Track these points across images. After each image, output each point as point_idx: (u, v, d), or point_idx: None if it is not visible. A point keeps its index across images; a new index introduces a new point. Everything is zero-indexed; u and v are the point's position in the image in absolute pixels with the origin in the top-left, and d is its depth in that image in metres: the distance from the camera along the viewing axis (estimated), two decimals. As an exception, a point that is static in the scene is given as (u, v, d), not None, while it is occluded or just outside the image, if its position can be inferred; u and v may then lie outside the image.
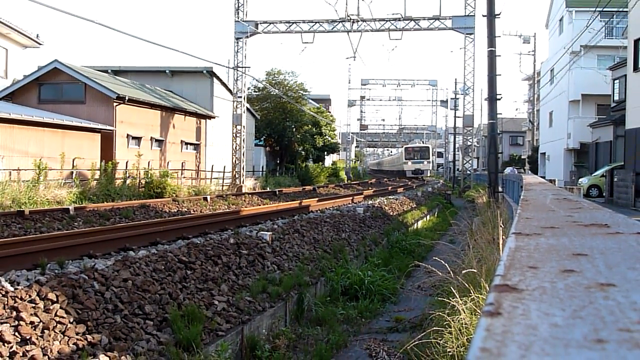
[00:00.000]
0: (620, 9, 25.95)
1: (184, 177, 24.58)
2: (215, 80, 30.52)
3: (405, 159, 58.43)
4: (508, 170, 35.70)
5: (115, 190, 16.97)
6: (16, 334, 3.77)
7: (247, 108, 29.78)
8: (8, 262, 5.19)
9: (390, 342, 6.01)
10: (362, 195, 20.18)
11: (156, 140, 24.98)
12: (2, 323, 3.77)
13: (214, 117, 29.78)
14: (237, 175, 26.75)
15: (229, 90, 29.76)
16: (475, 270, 5.22)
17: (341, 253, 9.47)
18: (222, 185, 26.62)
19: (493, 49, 16.69)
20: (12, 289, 4.17)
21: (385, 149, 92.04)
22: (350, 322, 6.78)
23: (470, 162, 37.25)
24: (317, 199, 17.49)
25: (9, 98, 22.07)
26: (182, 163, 25.82)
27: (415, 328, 6.25)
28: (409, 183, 41.18)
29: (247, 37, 26.33)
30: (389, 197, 19.89)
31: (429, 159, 57.72)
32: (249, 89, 35.40)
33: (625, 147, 22.88)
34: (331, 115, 50.46)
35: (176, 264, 5.95)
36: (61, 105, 21.72)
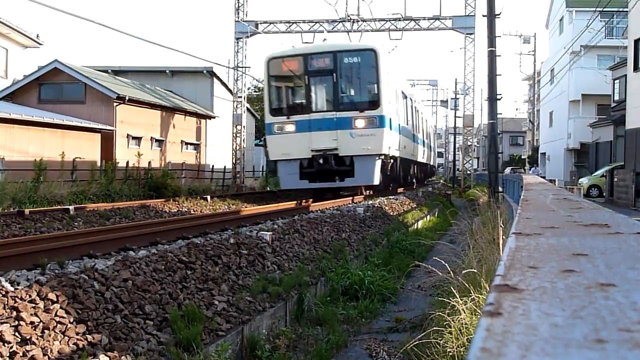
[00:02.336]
0: (621, 9, 25.93)
1: (184, 177, 24.60)
2: (215, 80, 30.52)
3: (273, 120, 17.36)
4: (532, 170, 32.90)
5: (115, 190, 16.97)
6: (16, 334, 3.77)
7: (247, 108, 29.76)
8: (8, 262, 5.19)
9: (390, 342, 6.01)
10: (362, 195, 20.18)
11: (156, 140, 24.98)
12: (2, 323, 3.77)
13: (214, 117, 29.78)
14: (237, 175, 26.74)
15: (229, 90, 29.75)
16: (475, 270, 5.22)
17: (341, 253, 9.46)
18: (223, 185, 26.62)
19: (493, 49, 16.69)
20: (12, 289, 4.17)
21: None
22: (351, 322, 6.78)
23: (470, 162, 37.22)
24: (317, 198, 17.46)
25: (9, 98, 22.07)
26: (182, 163, 25.83)
27: (416, 328, 6.24)
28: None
29: (247, 37, 26.32)
30: (389, 197, 19.89)
31: (376, 107, 16.87)
32: (249, 89, 35.40)
33: (626, 147, 22.86)
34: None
35: (176, 264, 5.95)
36: (61, 105, 21.72)
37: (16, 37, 23.73)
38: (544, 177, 28.30)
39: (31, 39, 24.40)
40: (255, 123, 37.31)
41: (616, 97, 28.86)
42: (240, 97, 26.57)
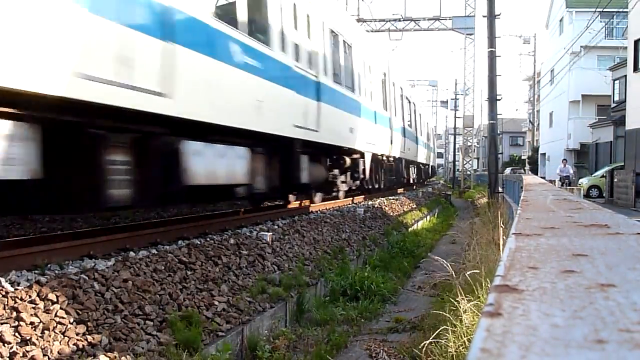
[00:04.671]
0: (621, 10, 25.97)
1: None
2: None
3: None
4: (559, 168, 26.94)
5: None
6: (16, 334, 3.77)
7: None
8: (8, 263, 5.19)
9: (390, 343, 6.01)
10: (362, 196, 20.17)
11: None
12: (2, 323, 3.77)
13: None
14: (237, 176, 26.65)
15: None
16: (475, 271, 5.22)
17: (341, 253, 9.47)
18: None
19: (493, 49, 16.71)
20: (12, 289, 4.17)
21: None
22: (351, 322, 6.78)
23: (470, 162, 37.22)
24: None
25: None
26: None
27: (416, 328, 6.25)
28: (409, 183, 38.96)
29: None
30: (389, 197, 19.91)
31: None
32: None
33: (626, 147, 22.90)
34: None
35: (176, 265, 5.95)
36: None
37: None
38: (568, 178, 25.43)
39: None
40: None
41: (616, 98, 28.90)
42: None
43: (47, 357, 3.72)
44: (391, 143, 18.94)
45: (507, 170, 40.17)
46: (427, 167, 33.99)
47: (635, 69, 22.03)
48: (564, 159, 29.30)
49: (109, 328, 4.30)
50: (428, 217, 19.66)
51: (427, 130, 32.77)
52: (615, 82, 29.12)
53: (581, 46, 30.91)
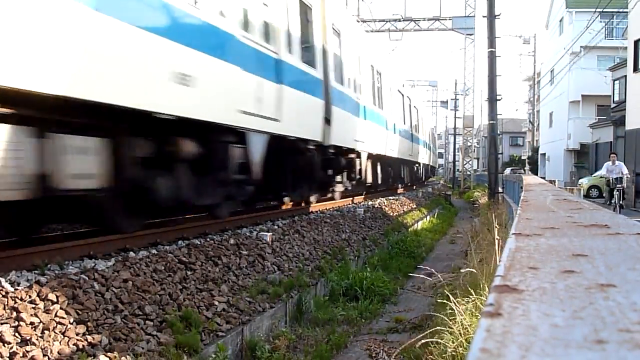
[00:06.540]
0: (621, 10, 25.97)
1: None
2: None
3: None
4: (606, 167, 17.15)
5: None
6: (16, 334, 3.77)
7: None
8: (8, 263, 5.19)
9: (390, 343, 6.01)
10: (362, 196, 20.15)
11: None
12: (2, 324, 3.77)
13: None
14: (237, 176, 26.61)
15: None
16: (475, 271, 5.22)
17: (341, 254, 9.47)
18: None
19: (493, 49, 16.72)
20: (12, 289, 4.17)
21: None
22: (350, 322, 6.78)
23: (470, 162, 37.22)
24: (317, 199, 17.43)
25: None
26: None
27: (416, 328, 6.25)
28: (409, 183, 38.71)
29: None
30: (389, 197, 19.89)
31: None
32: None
33: (626, 147, 22.90)
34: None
35: (176, 265, 5.95)
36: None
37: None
38: (621, 182, 16.84)
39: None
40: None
41: (616, 98, 28.91)
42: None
43: (47, 357, 3.72)
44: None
45: (507, 171, 40.11)
46: (427, 166, 33.88)
47: (635, 69, 22.04)
48: (614, 153, 18.90)
49: (109, 328, 4.29)
50: (428, 217, 19.65)
51: (428, 130, 32.85)
52: (615, 82, 29.13)
53: (581, 46, 30.89)
